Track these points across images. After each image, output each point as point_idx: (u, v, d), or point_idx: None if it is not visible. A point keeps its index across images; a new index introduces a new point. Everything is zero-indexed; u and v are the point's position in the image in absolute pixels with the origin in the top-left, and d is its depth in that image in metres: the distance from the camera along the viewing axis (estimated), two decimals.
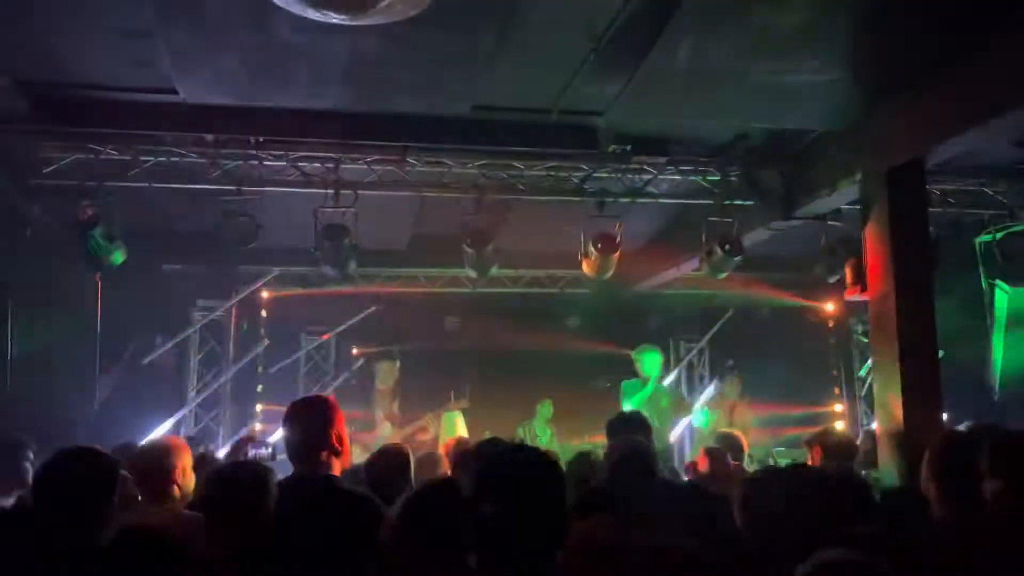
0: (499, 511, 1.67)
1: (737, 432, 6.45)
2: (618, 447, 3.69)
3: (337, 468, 2.94)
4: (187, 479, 3.59)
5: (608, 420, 4.87)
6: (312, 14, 3.15)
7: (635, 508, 2.98)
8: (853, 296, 5.78)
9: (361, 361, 9.23)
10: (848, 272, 5.75)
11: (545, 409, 9.60)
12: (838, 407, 9.38)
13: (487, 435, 8.69)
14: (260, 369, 8.76)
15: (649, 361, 7.83)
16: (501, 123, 5.82)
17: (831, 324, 9.57)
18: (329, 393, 8.51)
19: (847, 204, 6.25)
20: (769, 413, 9.10)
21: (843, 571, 2.06)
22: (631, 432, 4.20)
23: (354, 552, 2.54)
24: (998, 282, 7.47)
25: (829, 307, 9.40)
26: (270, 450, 4.57)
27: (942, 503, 3.13)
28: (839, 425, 8.83)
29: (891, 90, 5.03)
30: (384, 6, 2.96)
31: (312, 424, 2.97)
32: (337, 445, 2.95)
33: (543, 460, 1.79)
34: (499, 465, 1.76)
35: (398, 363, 8.04)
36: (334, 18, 3.09)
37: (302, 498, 2.78)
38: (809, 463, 4.73)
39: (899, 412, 4.90)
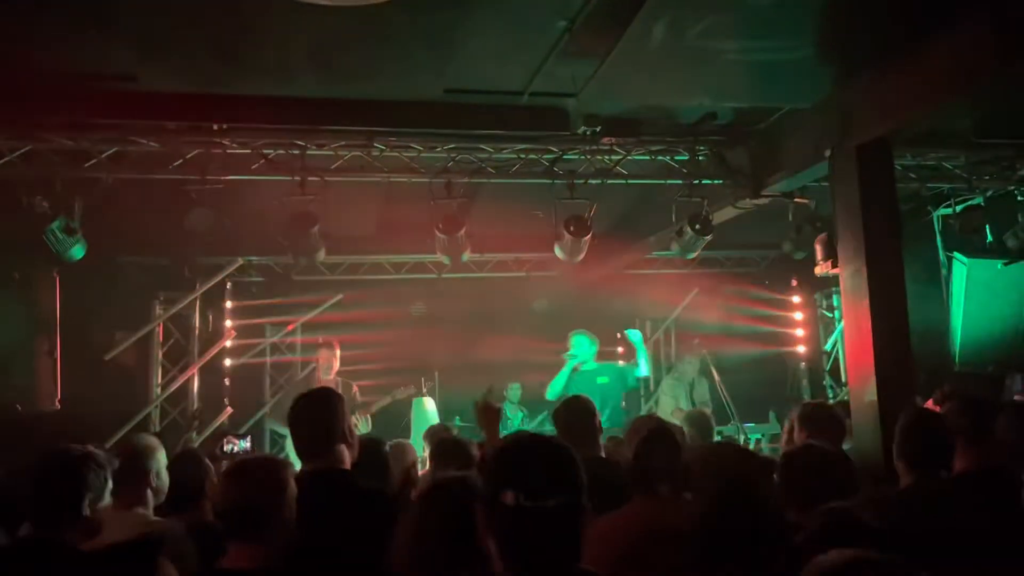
0: (558, 505, 1.66)
1: (706, 411, 6.52)
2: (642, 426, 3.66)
3: (348, 462, 2.90)
4: (162, 481, 3.48)
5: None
6: None
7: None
8: (824, 272, 5.86)
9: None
10: (818, 248, 5.83)
11: (514, 392, 9.63)
12: (803, 382, 9.54)
13: (456, 420, 8.77)
14: (227, 362, 8.58)
15: (575, 343, 7.54)
16: (469, 106, 5.75)
17: (796, 300, 9.71)
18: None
19: (813, 181, 6.34)
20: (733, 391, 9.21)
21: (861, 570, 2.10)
22: (573, 417, 4.13)
23: (383, 552, 2.50)
24: (956, 254, 7.67)
25: (793, 283, 9.54)
26: (248, 444, 4.47)
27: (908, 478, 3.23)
28: (805, 397, 9.00)
29: (859, 67, 5.09)
30: None
31: (323, 417, 2.92)
32: (349, 438, 2.90)
33: (573, 454, 1.77)
34: (546, 461, 1.74)
35: (338, 351, 7.83)
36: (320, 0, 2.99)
37: (325, 496, 2.71)
38: (784, 440, 4.77)
39: (872, 387, 4.98)
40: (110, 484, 2.86)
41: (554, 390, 7.39)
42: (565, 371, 7.39)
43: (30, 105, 5.28)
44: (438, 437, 5.11)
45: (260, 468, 2.61)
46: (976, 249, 7.50)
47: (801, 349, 9.78)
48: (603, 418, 4.69)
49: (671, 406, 8.60)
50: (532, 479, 1.67)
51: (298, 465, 3.35)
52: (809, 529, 2.37)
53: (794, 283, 9.60)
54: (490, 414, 3.53)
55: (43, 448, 3.16)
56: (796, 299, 9.72)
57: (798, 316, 9.77)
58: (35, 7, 4.18)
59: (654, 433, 3.08)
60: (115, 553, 2.61)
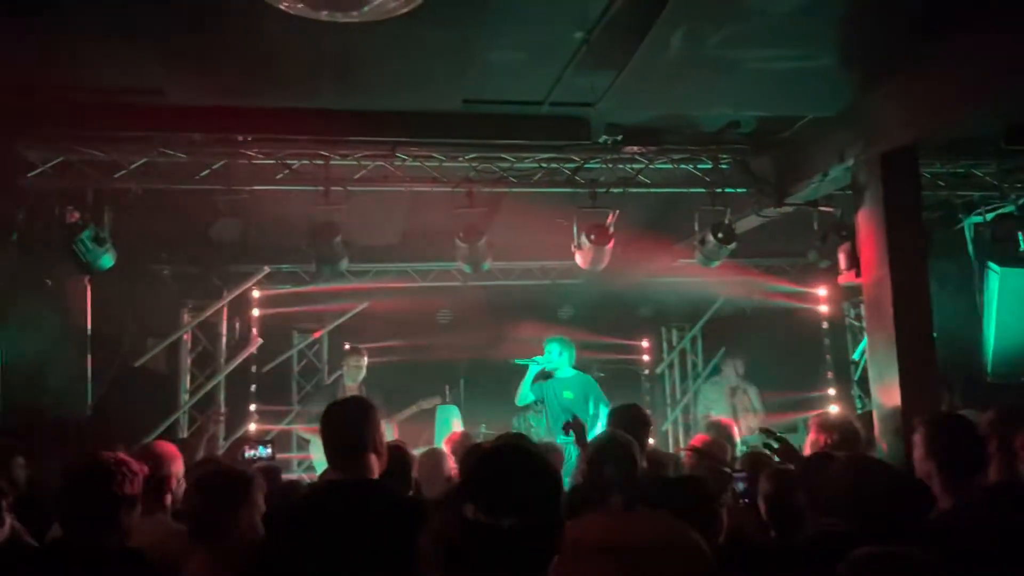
0: (515, 526, 1.61)
1: (726, 420, 6.46)
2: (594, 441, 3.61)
3: (376, 471, 2.91)
4: (180, 487, 3.55)
5: None
6: (310, 13, 3.10)
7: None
8: (847, 281, 5.79)
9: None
10: (842, 257, 5.76)
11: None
12: (831, 391, 9.42)
13: (482, 428, 8.80)
14: (254, 369, 8.70)
15: (546, 349, 7.51)
16: (491, 116, 5.78)
17: (823, 309, 9.59)
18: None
19: (838, 189, 6.26)
20: (762, 399, 9.15)
21: (884, 565, 2.06)
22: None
23: (414, 560, 2.51)
24: (989, 263, 7.52)
25: (821, 292, 9.43)
26: (270, 450, 4.52)
27: (943, 487, 3.17)
28: (833, 409, 8.88)
29: (883, 74, 5.02)
30: (379, 2, 2.91)
31: (354, 426, 2.94)
32: (380, 447, 2.92)
33: (550, 471, 1.74)
34: (510, 477, 1.69)
35: (365, 359, 7.89)
36: (337, 18, 3.04)
37: (354, 504, 2.74)
38: (809, 448, 4.73)
39: (896, 396, 4.91)
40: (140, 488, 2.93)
41: (521, 396, 7.44)
42: (528, 376, 7.43)
43: (63, 119, 5.43)
44: (465, 445, 5.14)
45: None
46: (1009, 257, 7.34)
47: (829, 357, 9.66)
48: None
49: (703, 412, 8.57)
50: (491, 494, 1.63)
51: (320, 470, 3.37)
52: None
53: (822, 291, 9.47)
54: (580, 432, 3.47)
55: (74, 453, 3.25)
56: (823, 308, 9.60)
57: (825, 325, 9.66)
58: (67, 26, 4.28)
59: (605, 446, 3.05)
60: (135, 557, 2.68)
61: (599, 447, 3.00)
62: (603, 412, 6.94)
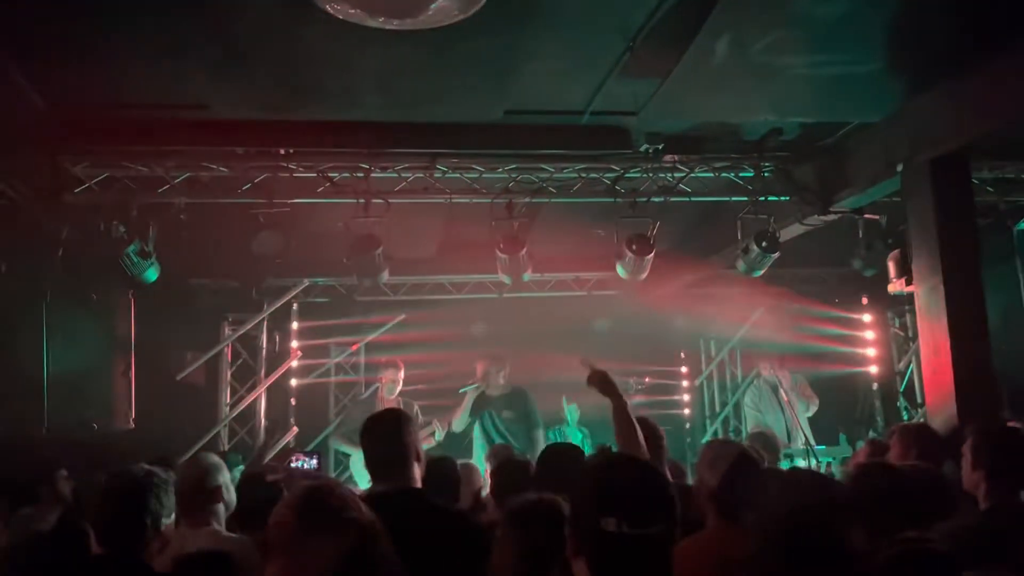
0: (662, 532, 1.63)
1: (769, 431, 6.33)
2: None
3: (419, 481, 2.91)
4: (230, 496, 3.54)
5: None
6: (367, 21, 3.10)
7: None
8: (897, 289, 5.66)
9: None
10: (891, 265, 5.64)
11: (572, 413, 9.55)
12: (876, 403, 9.23)
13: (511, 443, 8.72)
14: (293, 382, 8.73)
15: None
16: (530, 127, 5.77)
17: (867, 319, 9.42)
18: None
19: (884, 196, 6.15)
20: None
21: (922, 561, 2.05)
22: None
23: (462, 571, 2.49)
24: None
25: (863, 301, 9.26)
26: (316, 461, 4.52)
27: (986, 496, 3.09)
28: (878, 420, 8.70)
29: (932, 79, 4.93)
30: (436, 9, 2.90)
31: (395, 437, 2.95)
32: (420, 455, 2.92)
33: (665, 478, 1.75)
34: (647, 485, 1.71)
35: (401, 372, 7.87)
36: (393, 24, 3.03)
37: (397, 515, 2.73)
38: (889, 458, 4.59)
39: (953, 407, 4.78)
40: (173, 501, 2.93)
41: (460, 422, 7.24)
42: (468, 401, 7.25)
43: (108, 135, 5.51)
44: (501, 457, 5.10)
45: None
46: None
47: (873, 370, 9.46)
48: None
49: (753, 420, 8.40)
50: (635, 505, 1.65)
51: (362, 483, 3.36)
52: (882, 558, 2.29)
53: (864, 301, 9.30)
54: (605, 380, 3.26)
55: (117, 465, 3.25)
56: (867, 317, 9.41)
57: (869, 335, 9.45)
58: (112, 41, 4.34)
59: (741, 459, 2.96)
60: (185, 567, 2.67)
61: (735, 462, 2.91)
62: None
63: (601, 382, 3.18)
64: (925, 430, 4.40)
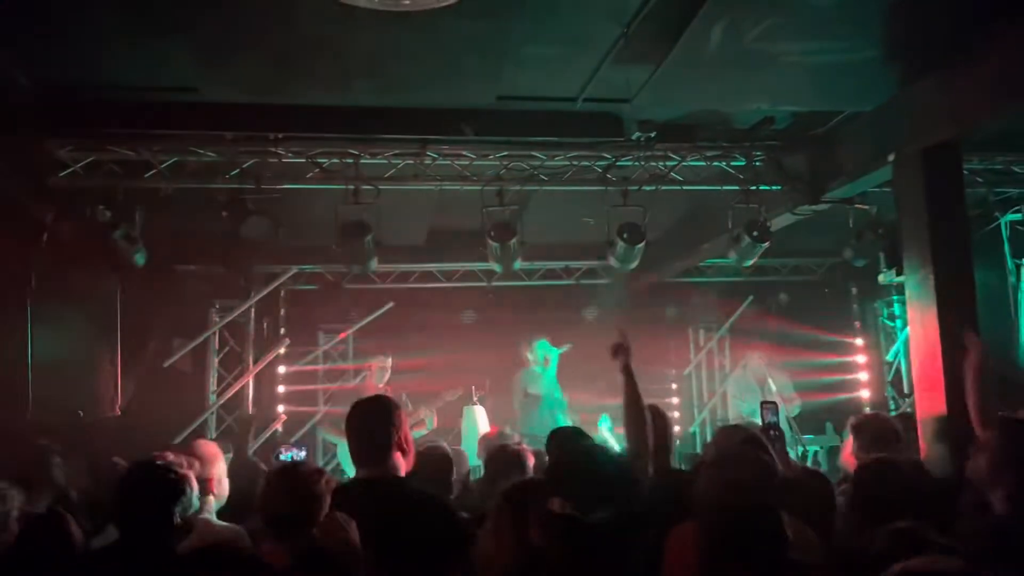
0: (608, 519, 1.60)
1: (754, 423, 6.35)
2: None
3: (403, 469, 2.88)
4: (222, 488, 3.51)
5: None
6: (359, 2, 3.05)
7: None
8: (888, 279, 5.67)
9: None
10: (882, 255, 5.64)
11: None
12: (864, 393, 9.27)
13: (507, 429, 8.72)
14: (281, 369, 8.67)
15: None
16: (522, 113, 5.72)
17: (854, 307, 9.46)
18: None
19: (875, 187, 6.15)
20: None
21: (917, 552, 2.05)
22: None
23: (439, 560, 2.47)
24: None
25: (853, 291, 9.30)
26: (304, 453, 4.48)
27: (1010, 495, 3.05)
28: (867, 411, 8.74)
29: (926, 68, 4.92)
30: None
31: (379, 424, 2.92)
32: (405, 446, 2.89)
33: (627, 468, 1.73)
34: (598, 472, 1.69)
35: (390, 359, 7.87)
36: (388, 6, 2.98)
37: (378, 502, 2.71)
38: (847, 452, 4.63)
39: (942, 399, 4.79)
40: (196, 492, 2.92)
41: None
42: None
43: (94, 118, 5.42)
44: (495, 445, 5.10)
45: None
46: None
47: (860, 359, 9.51)
48: None
49: (736, 409, 8.43)
50: (582, 490, 1.63)
51: (350, 472, 3.33)
52: (877, 548, 2.29)
53: (854, 291, 9.34)
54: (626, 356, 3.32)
55: (102, 453, 3.21)
56: (855, 306, 9.46)
57: (856, 324, 9.51)
58: (99, 23, 4.26)
59: (735, 452, 2.94)
60: (210, 556, 2.64)
61: (726, 454, 2.89)
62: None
63: (625, 358, 3.23)
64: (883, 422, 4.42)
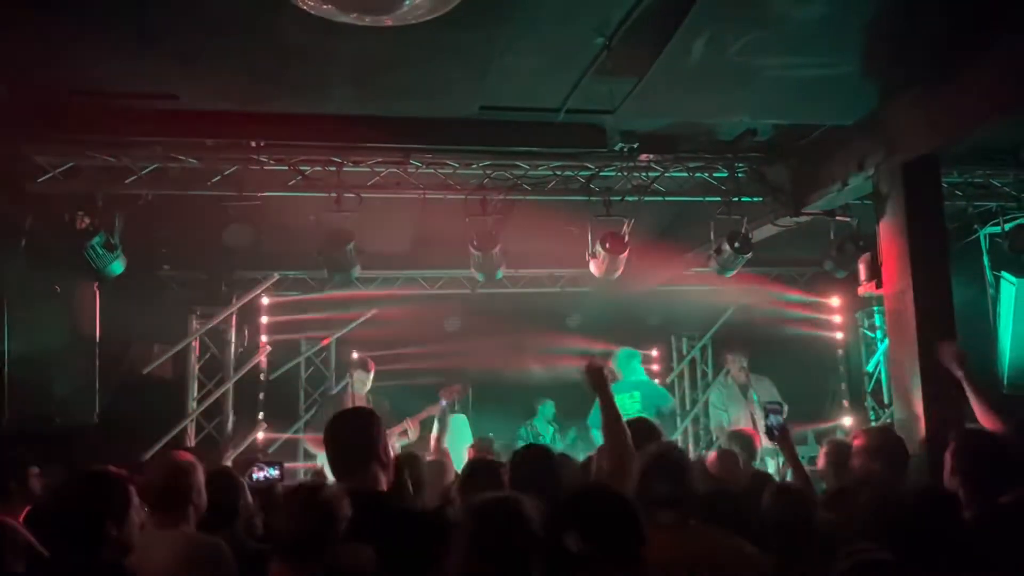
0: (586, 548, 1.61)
1: (749, 430, 6.37)
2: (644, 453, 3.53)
3: (384, 482, 2.86)
4: (202, 499, 3.46)
5: None
6: (339, 16, 3.04)
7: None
8: (867, 292, 5.71)
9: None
10: (862, 268, 5.69)
11: (547, 408, 9.57)
12: (844, 402, 9.33)
13: (491, 436, 8.72)
14: (262, 376, 8.62)
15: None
16: (505, 123, 5.72)
17: (836, 319, 9.51)
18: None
19: (856, 199, 6.20)
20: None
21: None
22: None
23: (418, 572, 2.46)
24: (1004, 274, 7.45)
25: (835, 302, 9.35)
26: (278, 471, 4.41)
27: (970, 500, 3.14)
28: (847, 421, 8.80)
29: (906, 83, 4.97)
30: (410, 7, 2.85)
31: (359, 436, 2.90)
32: (384, 458, 2.88)
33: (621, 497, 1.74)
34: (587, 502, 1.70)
35: (372, 371, 7.82)
36: (366, 21, 2.97)
37: (356, 514, 2.69)
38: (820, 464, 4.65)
39: (920, 408, 4.83)
40: (135, 501, 2.85)
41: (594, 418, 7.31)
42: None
43: (73, 123, 5.37)
44: (474, 455, 5.10)
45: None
46: None
47: (842, 368, 9.56)
48: None
49: (716, 418, 8.43)
50: (600, 529, 1.64)
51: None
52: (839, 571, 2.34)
53: (837, 302, 9.39)
54: (597, 376, 3.34)
55: (80, 462, 3.16)
56: (837, 318, 9.51)
57: (839, 335, 9.56)
58: (79, 28, 4.22)
59: (653, 459, 2.92)
60: None
61: (650, 460, 2.87)
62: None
63: (594, 377, 3.24)
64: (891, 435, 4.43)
